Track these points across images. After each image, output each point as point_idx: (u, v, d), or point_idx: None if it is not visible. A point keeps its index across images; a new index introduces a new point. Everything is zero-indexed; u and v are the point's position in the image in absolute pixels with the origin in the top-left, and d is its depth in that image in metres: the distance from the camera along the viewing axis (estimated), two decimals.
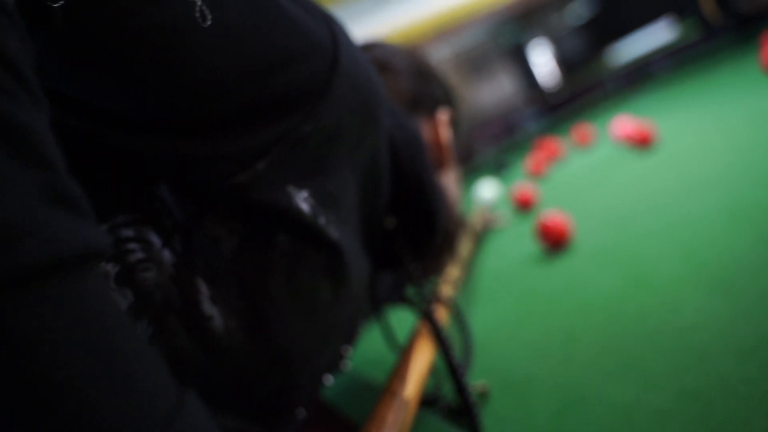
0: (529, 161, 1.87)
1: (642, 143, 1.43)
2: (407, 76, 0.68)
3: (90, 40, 0.30)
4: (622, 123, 1.65)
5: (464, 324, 0.62)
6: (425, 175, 0.58)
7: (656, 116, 1.85)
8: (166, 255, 0.40)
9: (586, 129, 2.00)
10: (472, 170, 2.82)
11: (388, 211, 0.58)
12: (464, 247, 1.03)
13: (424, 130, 0.67)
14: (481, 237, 1.37)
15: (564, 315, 0.71)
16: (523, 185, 1.43)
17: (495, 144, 3.68)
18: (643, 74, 2.94)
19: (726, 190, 0.85)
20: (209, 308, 0.40)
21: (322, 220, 0.43)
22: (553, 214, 0.98)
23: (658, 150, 1.34)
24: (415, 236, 0.60)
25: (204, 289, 0.40)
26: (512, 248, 1.14)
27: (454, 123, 0.73)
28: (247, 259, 0.41)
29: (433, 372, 0.61)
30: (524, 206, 1.41)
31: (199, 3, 0.33)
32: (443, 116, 0.68)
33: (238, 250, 0.41)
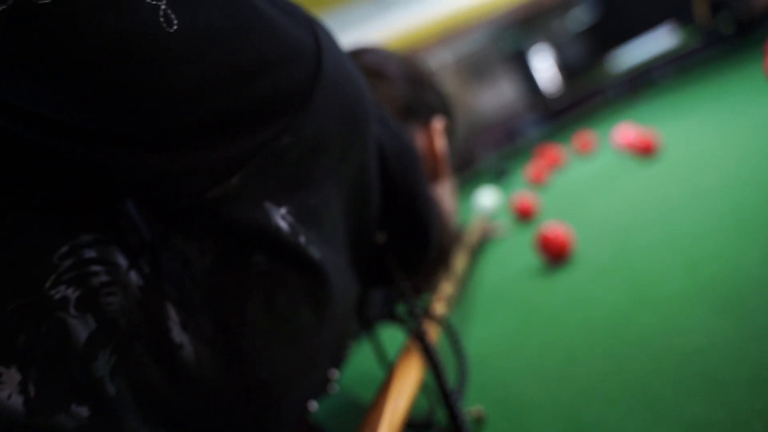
0: (529, 169, 1.84)
1: (644, 151, 1.40)
2: (401, 82, 0.65)
3: (38, 48, 0.27)
4: (624, 130, 1.62)
5: (458, 345, 0.59)
6: (418, 188, 0.56)
7: (659, 124, 1.82)
8: (133, 277, 0.37)
9: (587, 136, 1.97)
10: (471, 177, 2.79)
11: (379, 225, 0.55)
12: (460, 261, 1.00)
13: (419, 140, 0.64)
14: (480, 247, 1.34)
15: (564, 332, 0.68)
16: (523, 194, 1.40)
17: (496, 150, 3.65)
18: (645, 81, 2.91)
19: (732, 202, 0.82)
20: (179, 335, 0.37)
21: (302, 239, 0.40)
22: (553, 226, 0.95)
23: (660, 158, 1.32)
24: (406, 252, 0.57)
25: (173, 314, 0.37)
26: (511, 260, 1.11)
27: (450, 132, 0.70)
28: (220, 281, 0.38)
29: (426, 393, 0.58)
30: (524, 216, 1.38)
31: (163, 6, 0.30)
32: (438, 125, 0.66)
33: (211, 271, 0.38)
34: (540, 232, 0.95)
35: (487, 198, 1.73)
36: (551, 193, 1.58)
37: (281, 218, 0.39)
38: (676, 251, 0.75)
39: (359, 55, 0.65)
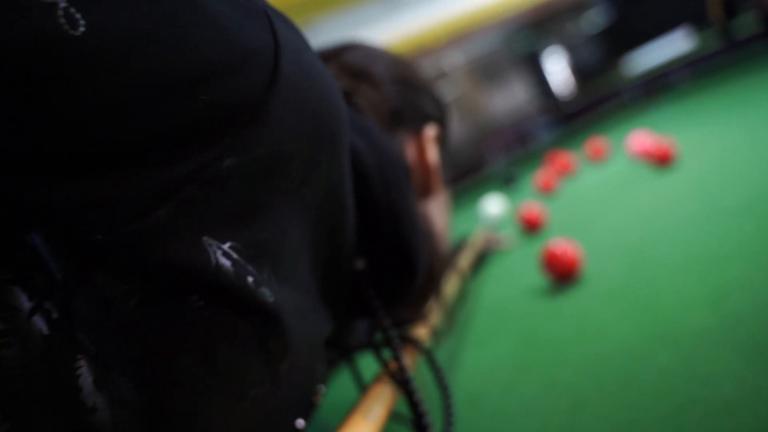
0: (539, 176, 1.77)
1: (661, 160, 1.32)
2: (389, 84, 0.58)
3: None
4: (639, 137, 1.54)
5: (442, 381, 0.52)
6: (403, 207, 0.48)
7: (676, 130, 1.74)
8: (37, 324, 0.30)
9: (600, 143, 1.89)
10: (480, 183, 2.72)
11: (358, 249, 0.48)
12: (452, 287, 0.93)
13: (408, 150, 0.57)
14: (483, 260, 1.26)
15: (570, 370, 0.60)
16: (530, 205, 1.32)
17: (506, 154, 3.58)
18: (662, 85, 2.82)
19: (758, 221, 0.74)
20: (92, 396, 0.30)
21: (250, 280, 0.33)
22: (561, 244, 0.87)
23: (678, 168, 1.23)
24: (389, 280, 0.50)
25: (86, 370, 0.30)
26: (515, 277, 1.03)
27: (444, 142, 0.63)
28: (148, 329, 0.31)
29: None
30: (531, 227, 1.31)
31: (62, 5, 0.24)
32: (431, 133, 0.59)
33: (137, 317, 0.31)
34: (546, 249, 0.88)
35: (493, 206, 1.66)
36: (561, 203, 1.50)
37: (223, 255, 0.32)
38: (697, 278, 0.68)
39: (340, 53, 0.58)
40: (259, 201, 0.33)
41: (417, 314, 0.59)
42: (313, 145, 0.36)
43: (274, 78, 0.32)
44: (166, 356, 0.32)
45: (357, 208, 0.47)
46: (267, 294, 0.34)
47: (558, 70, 4.02)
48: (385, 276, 0.50)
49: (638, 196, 1.18)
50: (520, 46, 4.07)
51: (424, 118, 0.60)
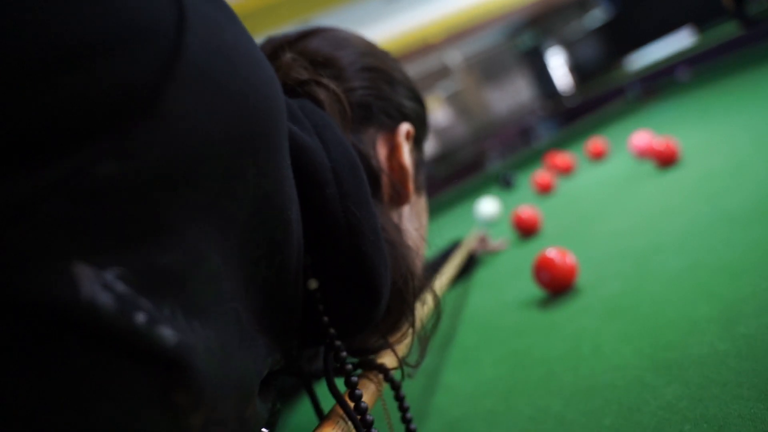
0: (537, 176, 1.69)
1: (664, 160, 1.24)
2: (358, 75, 0.50)
3: None
4: (642, 136, 1.47)
5: (409, 426, 0.45)
6: (362, 217, 0.41)
7: (679, 128, 1.66)
8: None
9: (601, 141, 1.82)
10: (479, 184, 2.64)
11: (311, 267, 0.41)
12: (426, 312, 0.86)
13: (379, 150, 0.50)
14: (473, 263, 1.19)
15: (562, 400, 0.53)
16: (525, 208, 1.25)
17: (505, 153, 3.51)
18: (665, 82, 2.74)
19: None
20: None
21: (141, 318, 0.25)
22: (555, 253, 0.80)
23: (682, 168, 1.16)
24: (346, 304, 0.43)
25: None
26: (505, 286, 0.96)
27: (421, 143, 0.56)
28: (9, 384, 0.25)
29: None
30: (526, 231, 1.23)
31: None
32: (405, 132, 0.51)
33: None
34: (539, 258, 0.81)
35: (487, 207, 1.63)
36: (558, 204, 1.43)
37: (102, 286, 0.24)
38: (705, 293, 0.60)
39: (301, 39, 0.50)
40: (156, 217, 0.26)
41: (385, 342, 0.52)
42: (234, 147, 0.29)
43: (174, 58, 0.25)
44: (32, 416, 0.25)
45: (308, 220, 0.40)
46: (167, 335, 0.26)
47: (559, 67, 3.95)
48: (342, 299, 0.43)
49: (640, 197, 1.11)
50: (521, 42, 4.00)
51: (399, 115, 0.53)
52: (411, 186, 0.51)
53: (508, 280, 0.99)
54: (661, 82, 2.78)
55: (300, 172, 0.39)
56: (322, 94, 0.48)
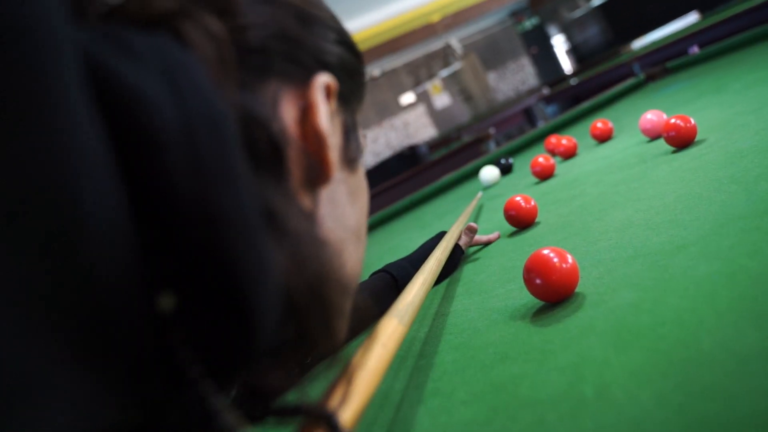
0: (535, 161, 1.53)
1: (679, 139, 1.08)
2: (253, 6, 0.35)
3: None
4: (652, 114, 1.30)
5: None
6: (223, 199, 0.27)
7: (691, 107, 1.49)
8: None
9: (607, 122, 1.65)
10: (479, 167, 2.47)
11: (160, 277, 0.26)
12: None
13: (283, 112, 0.34)
14: (459, 258, 1.03)
15: None
16: (518, 198, 1.08)
17: (506, 136, 3.35)
18: (677, 58, 2.56)
19: None
20: None
21: None
22: (552, 256, 0.64)
23: (700, 148, 1.00)
24: (207, 330, 0.27)
25: None
26: (495, 290, 0.80)
27: (352, 102, 0.40)
28: None
29: None
30: (520, 222, 1.07)
31: None
32: (323, 86, 0.36)
33: None
34: (532, 263, 0.65)
35: (490, 173, 1.87)
36: (560, 193, 1.27)
37: None
38: (751, 312, 0.44)
39: None
40: None
41: (290, 380, 0.36)
42: None
43: None
44: None
45: (141, 200, 0.26)
46: None
47: (562, 47, 3.78)
48: (202, 322, 0.28)
49: (654, 183, 0.94)
50: (523, 23, 3.84)
51: (316, 65, 0.37)
52: (333, 159, 0.36)
53: (498, 282, 0.83)
54: (673, 59, 2.60)
55: (123, 128, 0.25)
56: (190, 32, 0.32)
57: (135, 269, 0.25)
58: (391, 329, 0.47)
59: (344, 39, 0.40)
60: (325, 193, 0.37)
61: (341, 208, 0.38)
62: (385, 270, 0.95)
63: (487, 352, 0.62)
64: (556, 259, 0.63)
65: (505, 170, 2.01)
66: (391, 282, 0.93)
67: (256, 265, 0.27)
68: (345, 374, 0.37)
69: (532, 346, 0.58)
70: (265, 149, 0.33)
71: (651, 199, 0.86)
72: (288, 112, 0.34)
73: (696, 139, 1.08)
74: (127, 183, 0.25)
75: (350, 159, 0.40)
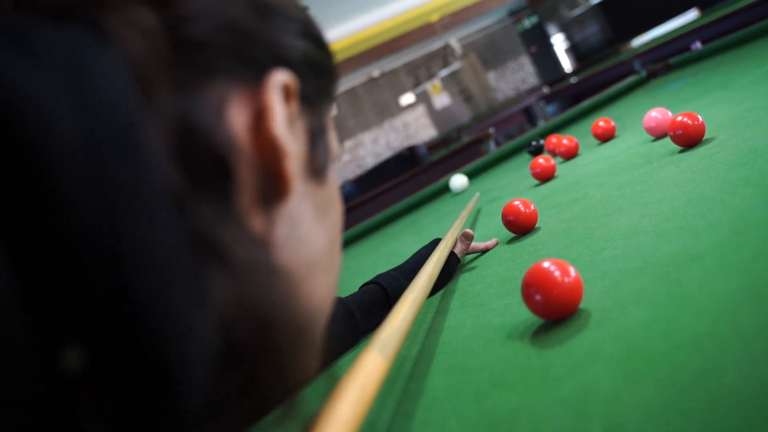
0: (534, 162, 1.47)
1: (686, 137, 1.02)
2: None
3: None
4: (656, 112, 1.24)
5: None
6: (129, 229, 0.21)
7: (697, 104, 1.44)
8: None
9: (610, 121, 1.59)
10: (480, 167, 2.42)
11: (67, 333, 0.21)
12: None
13: (231, 117, 0.28)
14: (454, 266, 0.97)
15: None
16: (517, 203, 1.02)
17: (506, 135, 3.31)
18: (679, 54, 2.49)
19: None
20: None
21: None
22: (552, 269, 0.58)
23: (709, 147, 0.94)
24: (125, 393, 0.22)
25: None
26: (491, 304, 0.74)
27: (315, 102, 0.34)
28: None
29: None
30: (519, 228, 1.01)
31: None
32: (280, 85, 0.30)
33: None
34: (531, 276, 0.59)
35: (459, 180, 1.98)
36: (561, 196, 1.21)
37: None
38: (765, 328, 0.39)
39: None
40: None
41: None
42: None
43: None
44: None
45: (24, 237, 0.20)
46: None
47: (564, 47, 3.73)
48: (121, 386, 0.23)
49: (662, 185, 0.88)
50: (526, 22, 3.81)
51: (272, 61, 0.31)
52: (292, 171, 0.30)
53: (495, 295, 0.77)
54: (675, 55, 2.54)
55: (5, 143, 0.20)
56: (113, 25, 0.26)
57: (20, 323, 0.20)
58: (372, 365, 0.41)
59: (309, 31, 0.34)
60: (285, 212, 0.31)
61: (305, 228, 0.32)
62: (376, 281, 0.89)
63: (482, 377, 0.56)
64: (557, 273, 0.57)
65: (536, 152, 1.98)
66: (381, 294, 0.87)
67: (175, 315, 0.22)
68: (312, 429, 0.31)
69: (531, 371, 0.52)
70: (206, 163, 0.27)
71: (659, 202, 0.80)
72: (237, 118, 0.29)
73: (704, 137, 1.02)
74: (7, 214, 0.20)
75: (317, 169, 0.34)
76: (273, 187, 0.30)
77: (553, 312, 0.57)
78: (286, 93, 0.30)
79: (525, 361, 0.54)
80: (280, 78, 0.30)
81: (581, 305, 0.58)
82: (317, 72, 0.34)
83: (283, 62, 0.31)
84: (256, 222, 0.29)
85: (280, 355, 0.30)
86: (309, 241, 0.33)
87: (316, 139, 0.34)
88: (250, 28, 0.30)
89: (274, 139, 0.29)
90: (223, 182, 0.28)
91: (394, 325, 0.51)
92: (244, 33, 0.29)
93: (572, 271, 0.57)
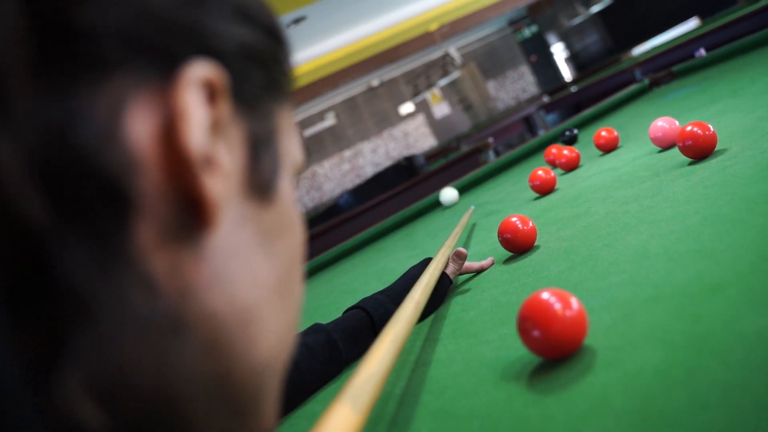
0: (534, 174, 1.40)
1: (696, 148, 0.95)
2: None
3: None
4: (662, 121, 1.18)
5: None
6: None
7: (705, 113, 1.37)
8: None
9: (609, 130, 1.52)
10: (478, 180, 2.34)
11: None
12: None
13: (132, 125, 0.21)
14: (446, 288, 0.90)
15: None
16: (514, 219, 0.95)
17: (509, 140, 3.25)
18: (684, 61, 2.43)
19: None
20: None
21: None
22: (552, 301, 0.51)
23: (721, 159, 0.87)
24: None
25: None
26: (485, 334, 0.67)
27: (259, 102, 0.27)
28: None
29: None
30: (516, 247, 0.94)
31: None
32: (198, 81, 0.23)
33: None
34: (528, 308, 0.52)
35: (449, 194, 1.95)
36: (559, 211, 1.14)
37: None
38: None
39: None
40: None
41: None
42: None
43: None
44: None
45: None
46: None
47: (563, 56, 3.68)
48: None
49: (671, 201, 0.81)
50: (526, 31, 3.77)
51: (196, 52, 0.24)
52: (215, 191, 0.23)
53: (489, 323, 0.70)
54: (677, 63, 2.47)
55: None
56: None
57: None
58: (342, 422, 0.34)
59: (251, 13, 0.27)
60: (211, 245, 0.24)
61: (242, 262, 0.25)
62: (360, 306, 0.82)
63: (472, 426, 0.48)
64: (557, 305, 0.50)
65: (570, 141, 1.92)
66: (366, 321, 0.80)
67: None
68: None
69: (528, 422, 0.44)
70: (87, 191, 0.20)
71: (669, 221, 0.73)
72: (138, 126, 0.21)
73: (716, 148, 0.95)
74: None
75: (261, 186, 0.27)
76: (190, 216, 0.23)
77: (554, 350, 0.50)
78: (210, 91, 0.23)
79: (521, 410, 0.47)
80: (198, 72, 0.23)
81: (586, 341, 0.51)
82: (262, 64, 0.27)
83: (211, 53, 0.24)
84: (159, 264, 0.22)
85: (199, 427, 0.23)
86: (248, 278, 0.26)
87: (258, 148, 0.26)
88: (162, 11, 0.23)
89: (187, 153, 0.22)
90: (110, 214, 0.21)
91: (370, 371, 0.43)
92: (153, 16, 0.22)
93: (574, 303, 0.50)
